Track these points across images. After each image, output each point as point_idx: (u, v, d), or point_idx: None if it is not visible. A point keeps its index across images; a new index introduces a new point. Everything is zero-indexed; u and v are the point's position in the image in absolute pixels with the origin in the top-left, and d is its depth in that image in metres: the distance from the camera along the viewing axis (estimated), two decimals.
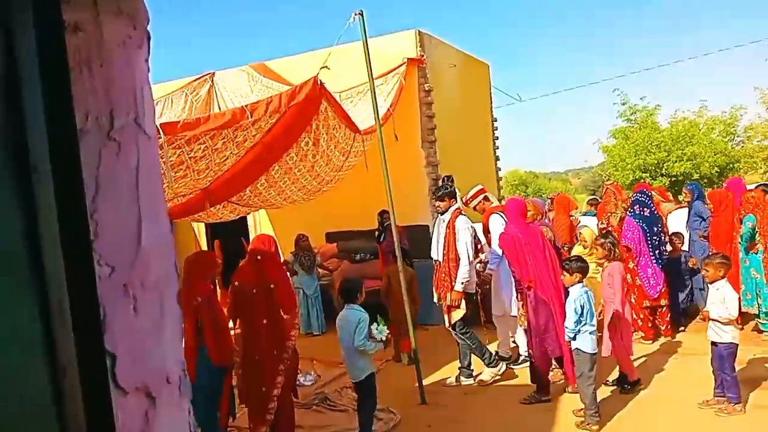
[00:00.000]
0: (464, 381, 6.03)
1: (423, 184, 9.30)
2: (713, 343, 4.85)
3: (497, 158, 13.32)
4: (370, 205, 8.20)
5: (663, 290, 6.79)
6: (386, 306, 7.00)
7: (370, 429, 4.77)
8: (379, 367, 6.77)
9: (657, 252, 6.75)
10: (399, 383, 6.13)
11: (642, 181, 19.25)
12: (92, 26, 0.93)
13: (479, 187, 6.95)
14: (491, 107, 13.10)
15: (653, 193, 8.68)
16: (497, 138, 13.31)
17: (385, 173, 5.56)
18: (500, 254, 6.31)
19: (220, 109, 9.44)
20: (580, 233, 7.02)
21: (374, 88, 5.67)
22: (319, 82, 5.46)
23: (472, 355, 6.02)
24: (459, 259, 5.72)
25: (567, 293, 5.04)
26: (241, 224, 10.13)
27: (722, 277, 4.83)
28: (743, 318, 6.22)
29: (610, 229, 7.08)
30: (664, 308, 6.88)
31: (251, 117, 5.10)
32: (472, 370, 6.07)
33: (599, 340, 5.17)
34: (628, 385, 5.37)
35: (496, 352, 6.32)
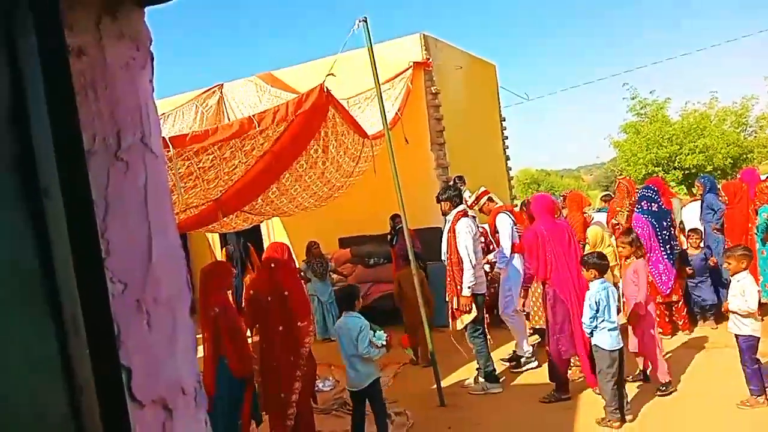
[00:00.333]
0: (482, 381, 6.02)
1: (433, 187, 9.29)
2: (736, 336, 4.81)
3: (507, 158, 13.30)
4: (382, 210, 8.22)
5: (674, 286, 6.73)
6: (400, 310, 7.02)
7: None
8: (397, 371, 6.81)
9: (668, 247, 6.70)
10: (417, 386, 6.14)
11: (655, 175, 19.14)
12: (95, 50, 0.95)
13: (483, 189, 6.98)
14: (499, 107, 13.09)
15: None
16: (506, 137, 13.30)
17: (395, 177, 5.57)
18: (508, 254, 6.31)
19: (229, 119, 9.52)
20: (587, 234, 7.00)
21: (381, 93, 5.69)
22: (325, 90, 5.49)
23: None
24: (462, 262, 5.70)
25: None
26: (255, 233, 10.20)
27: (744, 269, 4.80)
28: (762, 310, 6.15)
29: (618, 227, 7.03)
30: (679, 304, 6.82)
31: (259, 126, 5.14)
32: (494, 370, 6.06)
33: (624, 337, 5.13)
34: (663, 387, 5.23)
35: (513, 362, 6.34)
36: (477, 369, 6.04)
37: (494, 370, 5.93)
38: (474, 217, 6.10)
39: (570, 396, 5.38)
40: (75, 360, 0.84)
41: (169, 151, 4.51)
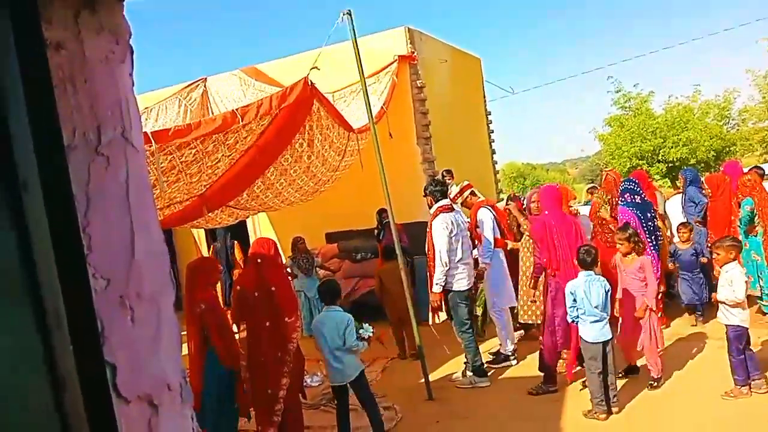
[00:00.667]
0: (470, 375, 6.05)
1: (420, 181, 9.29)
2: (727, 326, 4.86)
3: (493, 151, 13.34)
4: (369, 204, 8.22)
5: (660, 276, 6.78)
6: (382, 305, 7.05)
7: (381, 421, 4.82)
8: (385, 365, 6.82)
9: (653, 237, 6.76)
10: (404, 380, 6.16)
11: (639, 167, 19.30)
12: (74, 44, 0.94)
13: (466, 182, 6.99)
14: (485, 101, 13.12)
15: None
16: (492, 131, 13.33)
17: (382, 171, 5.57)
18: (492, 248, 6.33)
19: (213, 113, 9.45)
20: None
21: (366, 87, 5.68)
22: (309, 83, 5.47)
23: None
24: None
25: None
26: (242, 228, 10.16)
27: (732, 260, 4.86)
28: (747, 301, 6.24)
29: (603, 221, 7.06)
30: (660, 295, 6.87)
31: (242, 121, 5.11)
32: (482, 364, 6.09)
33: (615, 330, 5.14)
34: (654, 381, 5.25)
35: (494, 356, 6.38)
36: (465, 363, 6.07)
37: (482, 364, 5.96)
38: (457, 212, 6.08)
39: (557, 388, 5.43)
40: (58, 354, 0.83)
41: (151, 146, 4.47)
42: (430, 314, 6.00)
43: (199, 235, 11.14)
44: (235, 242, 9.84)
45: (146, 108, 9.22)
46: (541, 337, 5.59)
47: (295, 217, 9.14)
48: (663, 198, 8.98)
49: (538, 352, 6.41)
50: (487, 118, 13.14)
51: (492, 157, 13.29)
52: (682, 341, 6.36)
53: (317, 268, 8.79)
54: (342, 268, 9.16)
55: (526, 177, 42.47)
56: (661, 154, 20.39)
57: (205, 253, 10.95)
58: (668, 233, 7.59)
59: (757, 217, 6.48)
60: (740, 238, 6.63)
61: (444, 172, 8.77)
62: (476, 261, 6.40)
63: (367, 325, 4.72)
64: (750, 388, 4.76)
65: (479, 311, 7.01)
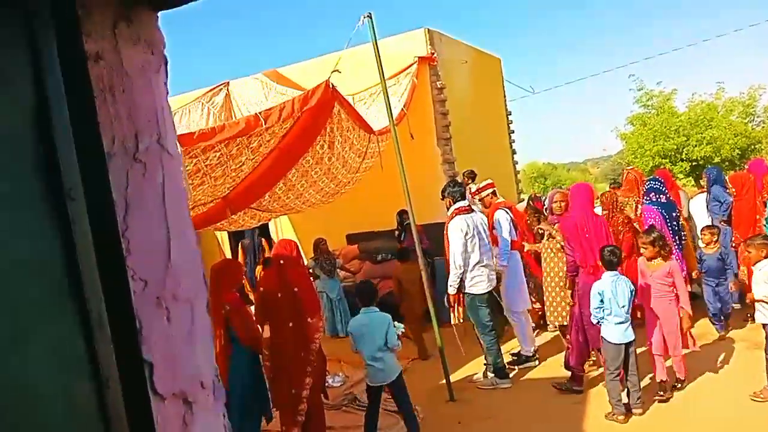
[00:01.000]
0: (491, 376, 6.04)
1: (440, 182, 9.26)
2: (764, 326, 4.79)
3: (514, 151, 13.29)
4: (389, 205, 8.24)
5: (686, 276, 6.70)
6: (400, 307, 7.07)
7: (417, 423, 4.84)
8: (405, 366, 6.84)
9: (677, 238, 6.68)
10: (425, 381, 6.16)
11: (662, 166, 19.06)
12: (112, 55, 0.98)
13: (489, 181, 6.98)
14: (505, 101, 13.07)
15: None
16: (513, 131, 13.28)
17: (402, 173, 5.59)
18: (509, 250, 6.31)
19: (236, 117, 9.56)
20: None
21: (386, 89, 5.70)
22: (330, 86, 5.51)
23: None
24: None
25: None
26: (264, 231, 10.27)
27: (765, 257, 4.79)
28: None
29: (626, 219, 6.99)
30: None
31: (265, 124, 5.17)
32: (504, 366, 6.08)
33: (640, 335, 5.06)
34: (677, 383, 5.16)
35: (515, 357, 6.36)
36: (485, 364, 6.06)
37: (504, 366, 5.95)
38: (476, 213, 6.06)
39: (583, 389, 5.36)
40: (100, 355, 0.87)
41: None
42: (451, 315, 6.00)
43: (222, 237, 11.26)
44: (263, 239, 9.99)
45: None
46: (568, 336, 5.54)
47: (316, 218, 9.20)
48: (687, 197, 8.88)
49: (558, 352, 6.41)
50: (507, 118, 13.09)
51: (512, 158, 13.24)
52: (706, 344, 6.27)
53: (338, 270, 8.83)
54: (363, 270, 9.20)
55: (547, 177, 42.14)
56: (684, 152, 20.11)
57: (228, 255, 11.07)
58: (691, 234, 7.49)
59: None
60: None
61: (466, 173, 8.77)
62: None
63: (396, 323, 4.76)
64: None
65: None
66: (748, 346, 5.91)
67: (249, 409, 4.56)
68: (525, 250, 6.68)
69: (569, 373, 5.53)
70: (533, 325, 6.91)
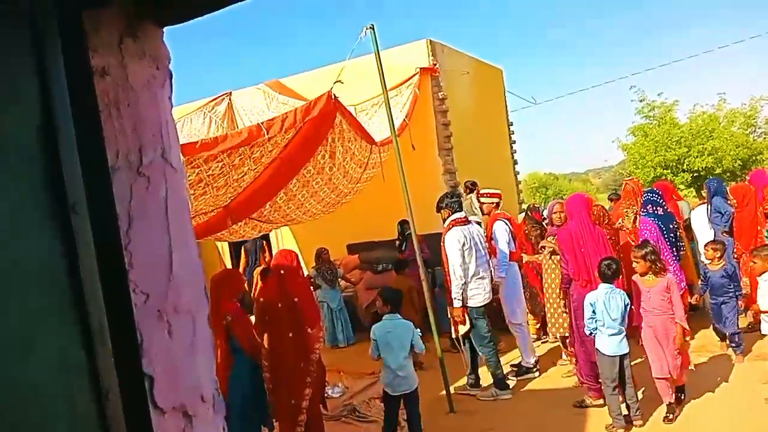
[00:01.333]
0: (471, 391, 5.99)
1: (441, 192, 9.30)
2: None
3: (515, 162, 13.31)
4: (390, 215, 8.25)
5: (685, 288, 6.67)
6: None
7: None
8: None
9: (674, 249, 6.67)
10: (425, 392, 6.09)
11: (663, 177, 19.08)
12: (118, 70, 1.00)
13: (497, 191, 6.99)
14: (506, 111, 13.11)
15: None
16: (514, 142, 13.31)
17: (403, 183, 5.60)
18: (507, 261, 6.30)
19: (238, 126, 9.60)
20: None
21: (388, 100, 5.72)
22: (333, 97, 5.54)
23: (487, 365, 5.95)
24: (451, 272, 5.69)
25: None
26: (264, 240, 10.30)
27: None
28: None
29: (624, 230, 6.99)
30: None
31: (267, 134, 5.19)
32: (479, 379, 6.06)
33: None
34: (681, 394, 5.05)
35: (516, 368, 6.34)
36: (468, 374, 6.01)
37: (504, 376, 5.92)
38: (472, 224, 6.04)
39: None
40: (101, 368, 0.88)
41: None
42: (452, 327, 5.98)
43: (223, 247, 11.27)
44: (264, 242, 10.05)
45: None
46: (571, 348, 5.51)
47: (317, 228, 9.21)
48: (689, 207, 8.89)
49: (557, 364, 6.40)
50: (509, 128, 13.12)
51: (514, 168, 13.26)
52: (709, 355, 6.24)
53: (339, 279, 8.83)
54: (363, 280, 9.20)
55: (548, 187, 42.18)
56: (686, 163, 20.13)
57: (228, 265, 11.08)
58: (691, 245, 7.47)
59: None
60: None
61: (467, 184, 8.79)
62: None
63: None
64: None
65: None
66: (750, 358, 5.89)
67: (249, 420, 4.55)
68: (524, 262, 6.68)
69: (571, 385, 5.52)
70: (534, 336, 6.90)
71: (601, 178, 55.94)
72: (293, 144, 5.72)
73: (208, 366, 1.15)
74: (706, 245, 6.52)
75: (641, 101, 21.45)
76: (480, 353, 5.88)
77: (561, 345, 6.57)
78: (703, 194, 8.62)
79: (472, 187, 8.57)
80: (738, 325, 6.02)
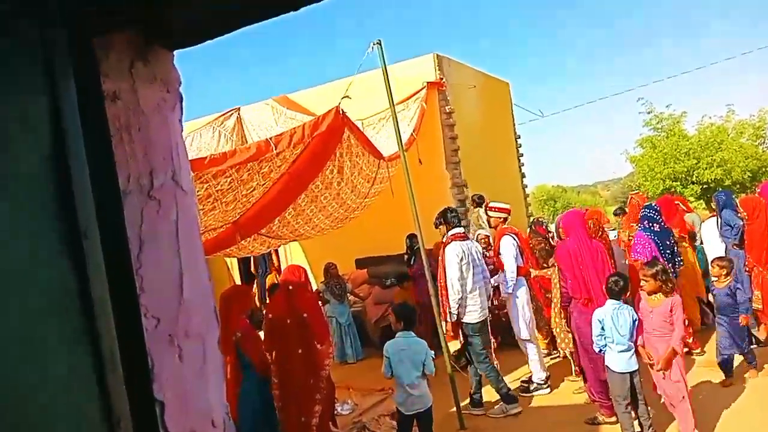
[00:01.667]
0: (474, 411, 5.87)
1: (449, 206, 9.32)
2: None
3: (523, 175, 13.28)
4: (399, 229, 8.23)
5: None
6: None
7: None
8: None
9: (671, 265, 6.62)
10: (435, 409, 6.08)
11: (672, 189, 19.01)
12: (129, 94, 1.00)
13: (507, 206, 6.97)
14: (514, 125, 13.11)
15: (678, 203, 8.58)
16: (522, 155, 13.30)
17: (411, 197, 5.59)
18: (514, 277, 6.26)
19: (247, 140, 9.65)
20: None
21: (396, 115, 5.74)
22: (341, 112, 5.56)
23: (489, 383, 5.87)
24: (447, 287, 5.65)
25: None
26: (267, 255, 10.32)
27: None
28: None
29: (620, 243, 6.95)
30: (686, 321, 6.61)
31: (276, 149, 5.21)
32: (481, 398, 5.95)
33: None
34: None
35: (526, 384, 6.28)
36: (471, 394, 5.95)
37: (508, 389, 5.85)
38: (471, 241, 6.04)
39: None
40: (112, 395, 0.87)
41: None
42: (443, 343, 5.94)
43: (232, 263, 11.27)
44: (273, 251, 10.09)
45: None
46: (576, 367, 5.45)
47: (325, 242, 9.20)
48: (700, 220, 8.84)
49: (567, 380, 6.33)
50: (516, 141, 13.12)
51: (522, 181, 13.23)
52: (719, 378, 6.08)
53: (348, 294, 8.81)
54: (372, 294, 9.17)
55: (557, 200, 42.05)
56: (695, 175, 20.05)
57: (237, 280, 11.08)
58: (696, 257, 7.39)
59: None
60: None
61: (474, 198, 8.77)
62: (497, 289, 6.37)
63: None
64: None
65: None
66: (765, 373, 5.81)
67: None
68: (532, 277, 6.65)
69: (583, 402, 5.45)
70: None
71: (610, 191, 55.73)
72: (302, 159, 5.73)
73: (218, 390, 1.14)
74: (712, 262, 6.33)
75: (649, 113, 21.46)
76: (479, 371, 5.81)
77: (571, 360, 6.52)
78: (713, 206, 8.57)
79: (479, 200, 8.56)
80: (746, 345, 5.79)
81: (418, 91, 8.68)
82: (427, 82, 8.88)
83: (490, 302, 6.18)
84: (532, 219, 9.41)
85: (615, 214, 10.41)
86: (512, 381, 6.58)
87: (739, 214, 7.36)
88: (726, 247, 7.54)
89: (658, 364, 4.62)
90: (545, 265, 6.69)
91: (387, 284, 9.03)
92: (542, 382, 6.27)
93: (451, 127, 9.49)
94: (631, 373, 4.69)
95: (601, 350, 4.77)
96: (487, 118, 11.33)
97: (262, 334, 4.96)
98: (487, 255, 7.25)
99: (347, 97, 5.67)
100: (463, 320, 5.70)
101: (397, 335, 4.68)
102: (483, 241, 7.50)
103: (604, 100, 37.78)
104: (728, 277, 5.89)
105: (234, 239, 6.39)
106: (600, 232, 6.48)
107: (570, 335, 5.82)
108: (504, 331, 6.98)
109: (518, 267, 6.34)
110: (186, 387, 1.04)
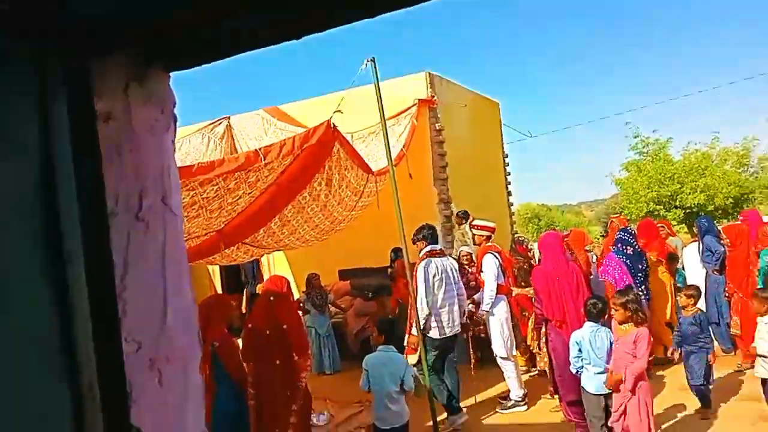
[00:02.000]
0: (457, 420, 5.91)
1: (435, 221, 9.28)
2: (763, 381, 4.74)
3: (509, 193, 13.35)
4: (383, 242, 8.23)
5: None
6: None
7: None
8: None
9: (643, 288, 6.69)
10: (411, 423, 6.05)
11: (656, 213, 19.23)
12: (122, 114, 0.98)
13: (492, 224, 7.01)
14: (502, 144, 13.19)
15: (663, 226, 8.68)
16: (509, 174, 13.37)
17: (398, 212, 5.60)
18: (493, 295, 6.31)
19: (236, 147, 9.61)
20: None
21: (386, 131, 5.75)
22: (332, 126, 5.56)
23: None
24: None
25: None
26: (256, 264, 10.24)
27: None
28: None
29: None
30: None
31: (264, 160, 5.19)
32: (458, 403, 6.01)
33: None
34: None
35: (503, 401, 6.29)
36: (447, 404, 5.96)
37: (455, 400, 5.88)
38: (447, 258, 6.08)
39: None
40: (88, 420, 0.85)
41: None
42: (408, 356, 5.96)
43: (214, 270, 11.18)
44: (259, 259, 10.02)
45: None
46: (551, 388, 5.48)
47: (309, 253, 9.16)
48: (682, 244, 8.94)
49: (544, 398, 6.36)
50: (504, 160, 13.19)
51: (508, 199, 13.30)
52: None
53: (329, 305, 8.78)
54: (354, 306, 9.14)
55: (541, 218, 42.30)
56: (678, 199, 20.32)
57: (219, 288, 10.99)
58: (674, 281, 7.42)
59: None
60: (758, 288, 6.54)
61: (459, 214, 8.80)
62: (477, 306, 6.42)
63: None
64: None
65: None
66: (741, 398, 5.86)
67: None
68: (513, 295, 6.68)
69: (559, 420, 5.47)
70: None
71: (594, 211, 56.20)
72: (290, 170, 5.73)
73: (198, 415, 1.12)
74: (680, 291, 6.22)
75: (636, 137, 21.75)
76: (429, 382, 5.83)
77: (550, 378, 6.54)
78: (695, 231, 8.68)
79: (465, 216, 8.59)
80: (705, 378, 5.48)
81: (409, 108, 8.71)
82: (419, 100, 8.91)
83: (467, 319, 6.22)
84: (513, 238, 9.46)
85: (603, 236, 10.52)
86: (491, 397, 6.61)
87: (721, 241, 7.47)
88: (707, 272, 7.63)
89: (608, 383, 4.56)
90: (523, 284, 6.74)
91: (370, 296, 9.02)
92: (519, 399, 6.30)
93: (440, 144, 9.53)
94: (606, 396, 4.72)
95: (578, 371, 4.81)
96: (476, 137, 11.39)
97: (241, 343, 4.91)
98: (470, 272, 7.28)
99: (339, 111, 5.68)
100: (426, 335, 5.72)
101: (377, 349, 4.68)
102: (465, 258, 7.52)
103: (591, 123, 38.06)
104: (695, 307, 5.71)
105: (218, 247, 6.35)
106: (573, 255, 6.53)
107: (546, 353, 5.87)
108: (484, 347, 6.99)
109: (499, 285, 6.37)
110: (165, 414, 1.02)
